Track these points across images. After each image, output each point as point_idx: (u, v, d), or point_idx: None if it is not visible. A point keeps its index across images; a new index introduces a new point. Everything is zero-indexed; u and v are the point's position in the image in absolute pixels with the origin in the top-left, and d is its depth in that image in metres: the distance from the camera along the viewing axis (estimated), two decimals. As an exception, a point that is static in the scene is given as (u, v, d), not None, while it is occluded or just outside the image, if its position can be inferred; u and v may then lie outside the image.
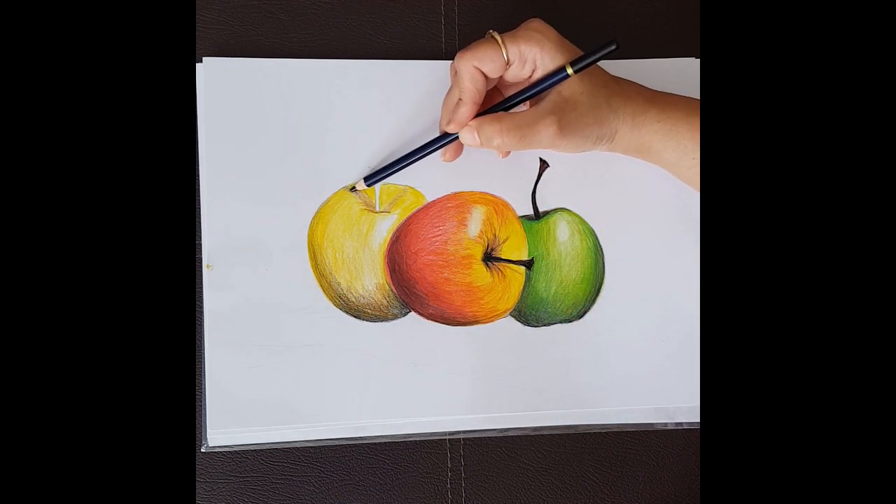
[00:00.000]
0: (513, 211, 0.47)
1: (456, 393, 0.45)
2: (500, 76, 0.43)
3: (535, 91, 0.42)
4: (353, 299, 0.45)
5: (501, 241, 0.47)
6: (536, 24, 0.42)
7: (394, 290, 0.46)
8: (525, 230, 0.47)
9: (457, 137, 0.43)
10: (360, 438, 0.45)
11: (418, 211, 0.46)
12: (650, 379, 0.47)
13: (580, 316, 0.47)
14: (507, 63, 0.41)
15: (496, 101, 0.44)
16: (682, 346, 0.47)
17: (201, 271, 0.44)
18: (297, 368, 0.44)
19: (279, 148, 0.46)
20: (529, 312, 0.47)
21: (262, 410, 0.44)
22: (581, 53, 0.42)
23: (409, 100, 0.47)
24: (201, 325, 0.44)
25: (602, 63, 0.42)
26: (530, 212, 0.47)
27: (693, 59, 0.49)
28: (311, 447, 0.45)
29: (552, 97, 0.42)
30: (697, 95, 0.46)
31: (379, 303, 0.46)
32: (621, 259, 0.47)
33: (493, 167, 0.47)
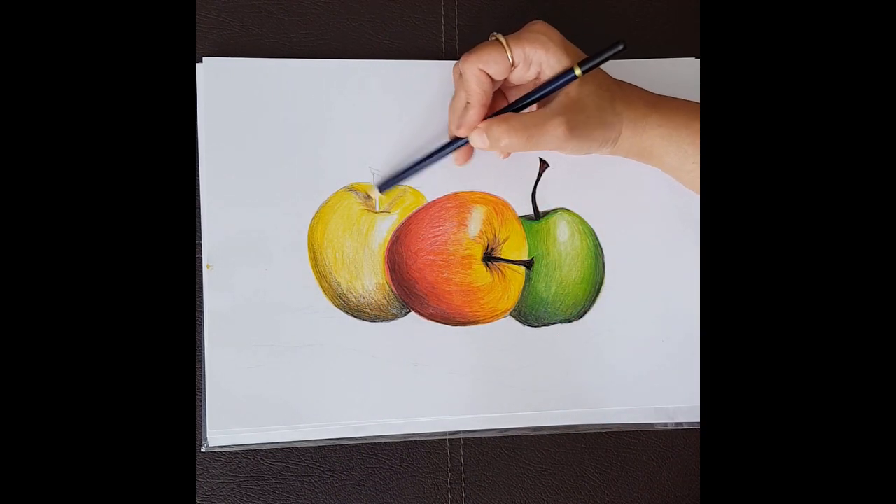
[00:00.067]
0: (513, 211, 0.47)
1: (456, 393, 0.45)
2: (505, 78, 0.43)
3: (543, 93, 0.42)
4: (353, 299, 0.45)
5: (501, 241, 0.47)
6: (540, 25, 0.42)
7: (394, 290, 0.46)
8: (525, 230, 0.47)
9: (467, 141, 0.43)
10: (360, 438, 0.45)
11: (418, 211, 0.46)
12: (650, 379, 0.47)
13: (580, 316, 0.47)
14: (512, 65, 0.41)
15: (501, 104, 0.44)
16: (682, 346, 0.47)
17: (201, 271, 0.44)
18: (297, 368, 0.44)
19: (279, 148, 0.46)
20: (529, 312, 0.47)
21: (262, 410, 0.44)
22: (585, 55, 0.42)
23: (409, 100, 0.47)
24: (201, 325, 0.44)
25: (604, 65, 0.42)
26: (530, 212, 0.47)
27: (693, 59, 0.49)
28: (311, 447, 0.45)
29: (560, 99, 0.42)
30: (697, 95, 0.46)
31: (379, 303, 0.46)
32: (621, 259, 0.47)
33: (493, 167, 0.47)
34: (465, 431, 0.46)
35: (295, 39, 0.47)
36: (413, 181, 0.46)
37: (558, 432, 0.46)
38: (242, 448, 0.44)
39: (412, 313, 0.46)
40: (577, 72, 0.41)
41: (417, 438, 0.45)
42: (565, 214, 0.47)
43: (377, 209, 0.46)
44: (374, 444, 0.45)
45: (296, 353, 0.44)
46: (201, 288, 0.44)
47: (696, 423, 0.47)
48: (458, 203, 0.47)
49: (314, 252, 0.45)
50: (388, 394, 0.45)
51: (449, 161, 0.46)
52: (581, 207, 0.48)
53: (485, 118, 0.42)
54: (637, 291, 0.47)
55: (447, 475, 0.46)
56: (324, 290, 0.45)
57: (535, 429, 0.46)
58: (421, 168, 0.45)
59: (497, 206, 0.47)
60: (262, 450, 0.45)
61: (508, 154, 0.46)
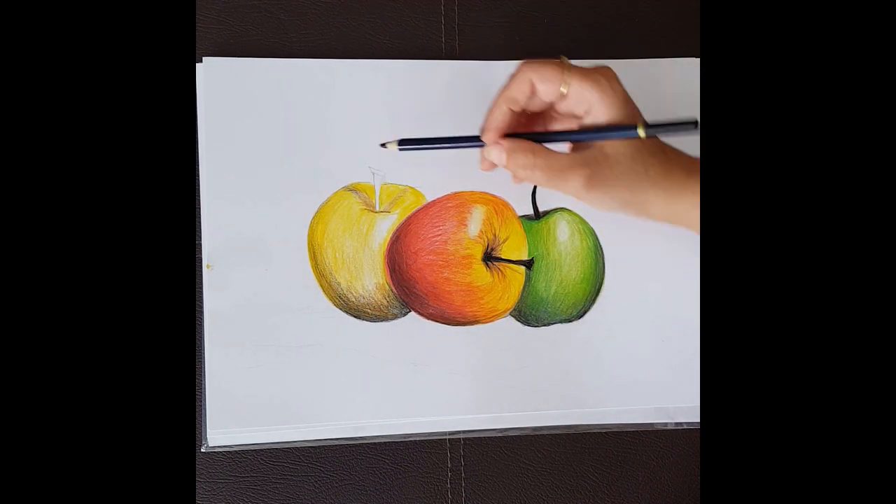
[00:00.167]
0: (513, 211, 0.47)
1: (456, 393, 0.45)
2: (552, 103, 0.41)
3: (597, 136, 0.40)
4: (353, 299, 0.45)
5: (501, 241, 0.47)
6: (607, 71, 0.40)
7: (394, 290, 0.46)
8: (525, 230, 0.47)
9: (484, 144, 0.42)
10: (360, 438, 0.45)
11: (418, 211, 0.46)
12: (650, 379, 0.47)
13: (580, 316, 0.47)
14: (563, 94, 0.40)
15: (550, 127, 0.43)
16: (682, 346, 0.47)
17: (201, 271, 0.45)
18: (296, 368, 0.44)
19: (279, 148, 0.46)
20: (529, 312, 0.47)
21: (262, 410, 0.44)
22: (640, 114, 0.41)
23: (408, 100, 0.47)
24: (201, 325, 0.44)
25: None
26: (530, 211, 0.47)
27: (693, 59, 0.49)
28: (310, 447, 0.45)
29: (593, 150, 0.40)
30: (697, 95, 0.46)
31: (379, 303, 0.46)
32: (621, 259, 0.47)
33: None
34: (465, 431, 0.46)
35: (295, 39, 0.47)
36: (413, 181, 0.46)
37: (558, 432, 0.46)
38: (242, 448, 0.44)
39: (412, 313, 0.46)
40: (641, 133, 0.39)
41: (417, 438, 0.45)
42: (565, 214, 0.47)
43: (377, 209, 0.46)
44: (374, 444, 0.45)
45: (296, 353, 0.44)
46: (201, 288, 0.44)
47: (696, 423, 0.47)
48: (458, 203, 0.47)
49: (314, 252, 0.45)
50: (387, 394, 0.45)
51: (449, 161, 0.46)
52: (581, 207, 0.47)
53: (514, 134, 0.41)
54: (637, 291, 0.47)
55: (447, 475, 0.46)
56: (324, 290, 0.45)
57: (535, 429, 0.46)
58: (445, 146, 0.44)
59: (497, 205, 0.47)
60: (262, 450, 0.45)
61: (493, 166, 0.44)
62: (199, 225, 0.45)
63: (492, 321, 0.46)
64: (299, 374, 0.44)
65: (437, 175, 0.47)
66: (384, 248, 0.46)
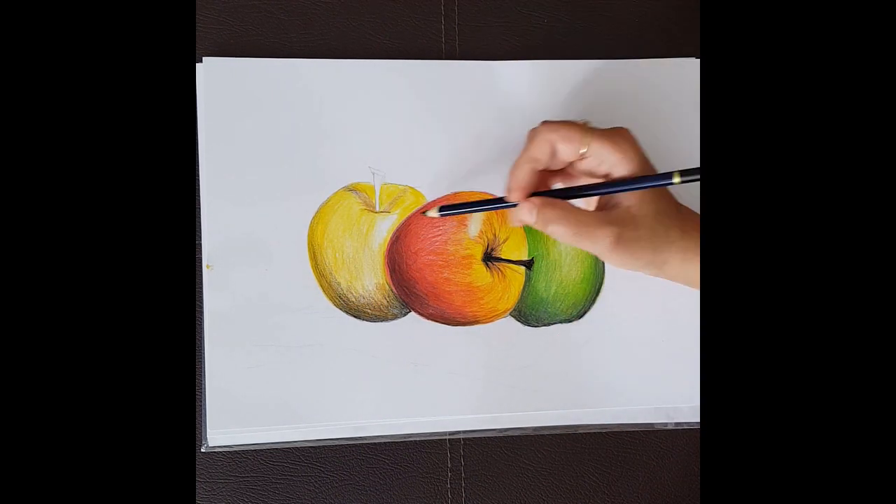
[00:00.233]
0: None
1: (456, 393, 0.45)
2: (571, 162, 0.42)
3: (633, 187, 0.41)
4: (353, 299, 0.45)
5: (501, 241, 0.47)
6: (625, 132, 0.41)
7: (394, 290, 0.46)
8: (525, 230, 0.47)
9: (515, 204, 0.42)
10: (360, 438, 0.45)
11: (418, 211, 0.46)
12: (650, 379, 0.47)
13: (580, 316, 0.47)
14: (582, 155, 0.41)
15: (569, 185, 0.43)
16: (682, 346, 0.47)
17: (201, 271, 0.45)
18: (296, 368, 0.44)
19: (279, 148, 0.46)
20: (529, 312, 0.47)
21: (262, 410, 0.44)
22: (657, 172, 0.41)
23: (408, 100, 0.47)
24: (201, 325, 0.44)
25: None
26: (530, 212, 0.47)
27: (693, 59, 0.49)
28: (310, 447, 0.45)
29: (619, 210, 0.41)
30: (697, 95, 0.46)
31: (379, 303, 0.46)
32: (621, 259, 0.47)
33: (494, 167, 0.47)
34: (464, 431, 0.46)
35: (295, 39, 0.47)
36: (413, 181, 0.46)
37: (558, 432, 0.46)
38: (242, 448, 0.44)
39: (412, 313, 0.46)
40: (677, 179, 0.39)
41: (417, 438, 0.45)
42: (565, 214, 0.47)
43: (377, 209, 0.46)
44: (374, 444, 0.45)
45: (296, 354, 0.44)
46: (201, 288, 0.44)
47: (696, 423, 0.47)
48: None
49: (314, 252, 0.45)
50: (388, 394, 0.45)
51: (448, 159, 0.46)
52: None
53: (541, 193, 0.42)
54: (637, 291, 0.47)
55: (447, 475, 0.46)
56: (324, 290, 0.45)
57: (535, 429, 0.46)
58: (481, 208, 0.45)
59: (497, 206, 0.47)
60: (262, 450, 0.45)
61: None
62: (199, 225, 0.45)
63: (492, 321, 0.46)
64: (299, 374, 0.44)
65: (437, 175, 0.47)
66: (384, 248, 0.46)
